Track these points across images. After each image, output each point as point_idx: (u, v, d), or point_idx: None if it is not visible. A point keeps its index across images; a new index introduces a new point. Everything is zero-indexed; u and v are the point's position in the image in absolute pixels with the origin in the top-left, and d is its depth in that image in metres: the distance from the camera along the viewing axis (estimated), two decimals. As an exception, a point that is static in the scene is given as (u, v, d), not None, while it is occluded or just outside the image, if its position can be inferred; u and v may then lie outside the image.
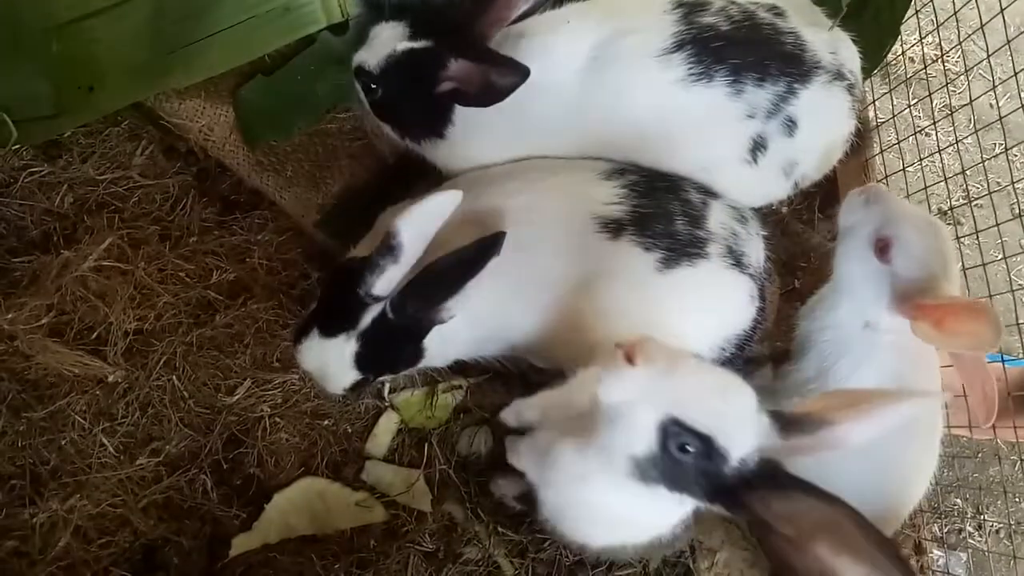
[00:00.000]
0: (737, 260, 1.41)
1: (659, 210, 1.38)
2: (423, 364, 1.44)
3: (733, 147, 1.43)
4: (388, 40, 1.39)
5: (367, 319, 1.29)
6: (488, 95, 1.30)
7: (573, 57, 1.37)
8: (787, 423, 1.00)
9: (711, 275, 1.38)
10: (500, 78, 1.27)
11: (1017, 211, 1.78)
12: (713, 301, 1.40)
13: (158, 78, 1.56)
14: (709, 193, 1.45)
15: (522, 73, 1.26)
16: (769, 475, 0.96)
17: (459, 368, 1.60)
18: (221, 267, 1.65)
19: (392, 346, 1.34)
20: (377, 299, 1.27)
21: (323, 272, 1.66)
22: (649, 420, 0.97)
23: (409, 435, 1.61)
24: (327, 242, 1.67)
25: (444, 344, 1.40)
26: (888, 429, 1.00)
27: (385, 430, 1.60)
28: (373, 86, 1.43)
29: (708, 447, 0.95)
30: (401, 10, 1.43)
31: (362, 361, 1.31)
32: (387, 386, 1.62)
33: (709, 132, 1.42)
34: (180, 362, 1.55)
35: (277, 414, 1.56)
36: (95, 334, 1.54)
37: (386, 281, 1.26)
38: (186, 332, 1.57)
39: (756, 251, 1.46)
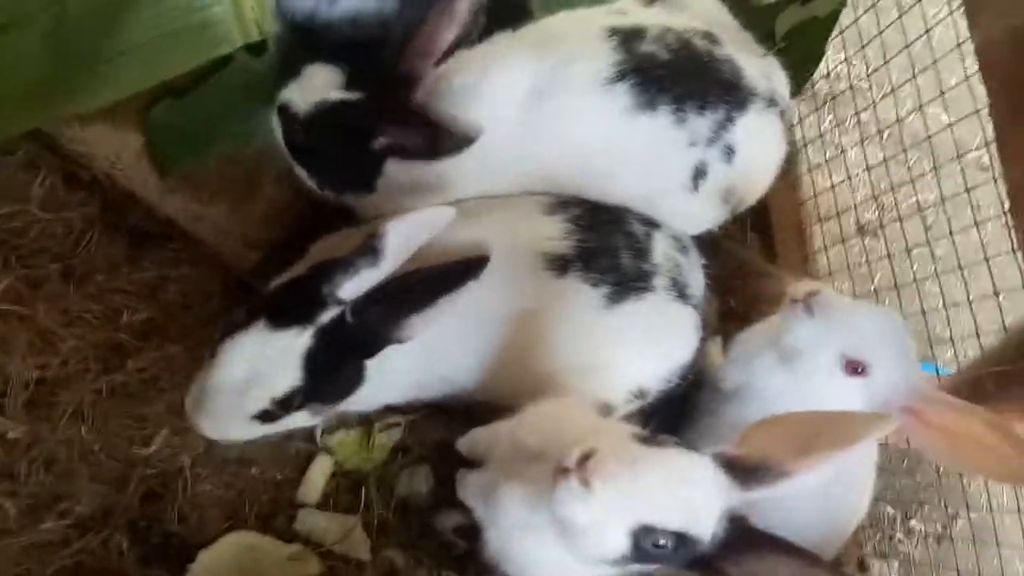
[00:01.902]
0: (681, 292, 1.39)
1: (604, 244, 1.35)
2: (352, 406, 1.35)
3: (676, 175, 1.42)
4: (321, 86, 1.30)
5: (324, 318, 1.18)
6: (431, 153, 1.23)
7: (512, 91, 1.32)
8: (744, 473, 0.97)
9: (657, 308, 1.36)
10: (446, 140, 1.20)
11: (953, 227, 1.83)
12: (661, 334, 1.38)
13: (59, 101, 1.43)
14: (651, 224, 1.43)
15: (472, 137, 1.18)
16: (739, 536, 0.94)
17: (394, 407, 1.53)
18: (132, 306, 1.52)
19: (341, 357, 1.23)
20: (339, 302, 1.17)
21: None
22: (619, 531, 0.92)
23: (344, 479, 1.52)
24: (248, 274, 1.57)
25: (380, 383, 1.32)
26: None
27: (318, 474, 1.51)
28: (296, 128, 1.34)
29: (682, 538, 0.92)
30: (333, 50, 1.34)
31: (311, 361, 1.18)
32: (319, 428, 1.53)
33: (654, 161, 1.40)
34: (89, 412, 1.43)
35: (199, 464, 1.46)
36: (-9, 387, 1.40)
37: (357, 284, 1.16)
38: (94, 379, 1.45)
39: (697, 281, 1.46)
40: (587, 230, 1.35)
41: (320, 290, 1.17)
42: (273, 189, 1.60)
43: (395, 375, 1.33)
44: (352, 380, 1.27)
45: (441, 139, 1.21)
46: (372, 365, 1.26)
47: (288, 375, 1.18)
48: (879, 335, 1.32)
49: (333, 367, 1.22)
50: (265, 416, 1.21)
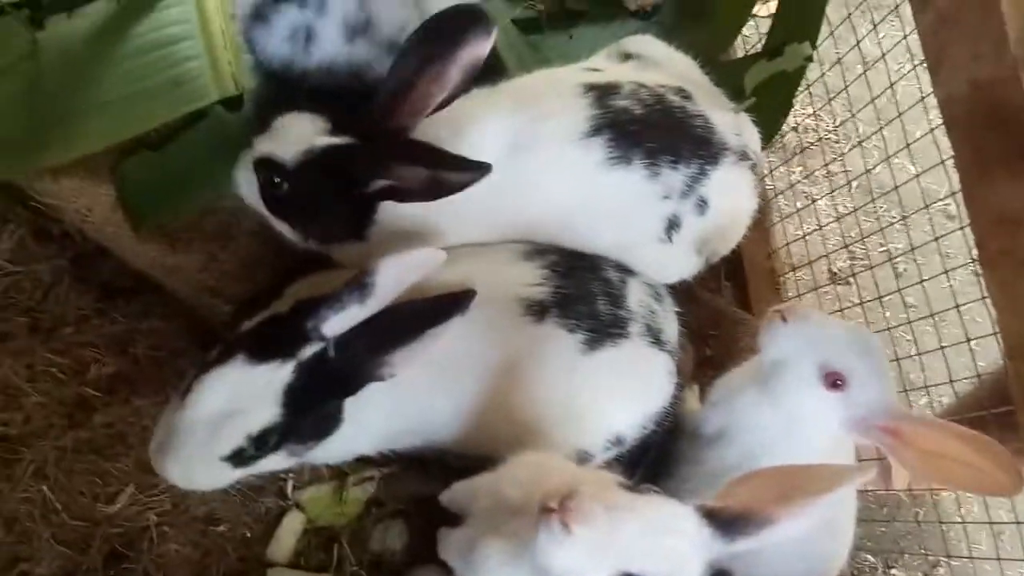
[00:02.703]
0: (656, 338, 1.39)
1: (581, 291, 1.35)
2: (325, 456, 1.32)
3: (651, 227, 1.43)
4: (303, 134, 1.28)
5: (306, 352, 1.15)
6: (434, 191, 1.21)
7: (490, 146, 1.33)
8: (726, 524, 0.96)
9: (633, 354, 1.36)
10: (452, 175, 1.19)
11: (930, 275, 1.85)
12: (636, 380, 1.37)
13: (33, 155, 1.43)
14: (626, 271, 1.44)
15: (483, 170, 1.18)
16: None
17: (370, 458, 1.50)
18: (100, 359, 1.50)
19: (322, 393, 1.19)
20: (322, 338, 1.15)
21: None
22: None
23: (316, 535, 1.48)
24: (221, 327, 1.55)
25: (354, 431, 1.29)
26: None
27: (289, 531, 1.47)
28: (278, 180, 1.30)
29: None
30: (311, 99, 1.34)
31: (291, 397, 1.15)
32: (290, 483, 1.50)
33: (628, 213, 1.41)
34: (52, 470, 1.39)
35: (165, 522, 1.41)
36: (-50, 444, 1.36)
37: (342, 321, 1.14)
38: (59, 435, 1.41)
39: (671, 327, 1.46)
40: (564, 276, 1.35)
41: (304, 325, 1.15)
42: (247, 241, 1.60)
43: (370, 423, 1.31)
44: (331, 419, 1.24)
45: (447, 176, 1.20)
46: (347, 411, 1.24)
47: (267, 410, 1.15)
48: (856, 350, 1.32)
49: (313, 403, 1.19)
50: (238, 457, 1.17)
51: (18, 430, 1.40)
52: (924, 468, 1.27)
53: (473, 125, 1.34)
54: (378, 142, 1.27)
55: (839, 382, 1.31)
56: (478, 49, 1.24)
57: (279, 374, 1.14)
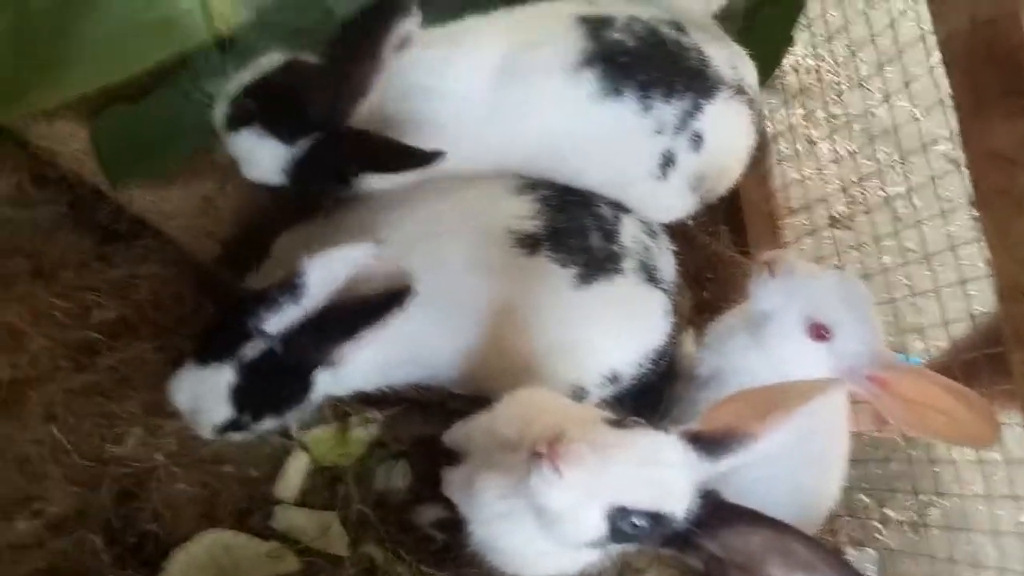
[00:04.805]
0: (651, 275, 1.40)
1: (574, 225, 1.36)
2: (319, 394, 1.35)
3: (644, 163, 1.42)
4: (270, 156, 1.32)
5: (251, 351, 1.20)
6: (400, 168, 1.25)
7: (480, 69, 1.32)
8: (710, 446, 0.99)
9: (627, 291, 1.37)
10: (411, 161, 1.22)
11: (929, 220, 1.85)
12: (630, 317, 1.39)
13: (24, 97, 1.41)
14: (620, 208, 1.44)
15: (429, 160, 1.19)
16: (713, 511, 0.95)
17: (372, 400, 1.53)
18: (102, 304, 1.50)
19: (275, 384, 1.26)
20: (265, 336, 1.19)
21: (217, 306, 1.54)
22: (595, 515, 0.94)
23: (321, 475, 1.51)
24: (221, 273, 1.56)
25: (345, 373, 1.31)
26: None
27: (295, 471, 1.50)
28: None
29: (657, 518, 0.94)
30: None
31: (239, 396, 1.22)
32: (295, 424, 1.52)
33: (620, 148, 1.41)
34: (61, 411, 1.40)
35: (173, 463, 1.43)
36: (-42, 387, 1.37)
37: (281, 320, 1.18)
38: (66, 378, 1.42)
39: (667, 266, 1.47)
40: (557, 210, 1.36)
41: (243, 324, 1.19)
42: (242, 183, 1.58)
43: (359, 364, 1.31)
44: (298, 392, 1.29)
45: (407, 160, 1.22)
46: None
47: (220, 408, 1.23)
48: (842, 300, 1.34)
49: (267, 393, 1.26)
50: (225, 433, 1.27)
51: (25, 373, 1.41)
52: (907, 416, 1.29)
53: (464, 46, 1.33)
54: (332, 143, 1.28)
55: (824, 333, 1.33)
56: (405, 29, 1.24)
57: (222, 376, 1.20)
